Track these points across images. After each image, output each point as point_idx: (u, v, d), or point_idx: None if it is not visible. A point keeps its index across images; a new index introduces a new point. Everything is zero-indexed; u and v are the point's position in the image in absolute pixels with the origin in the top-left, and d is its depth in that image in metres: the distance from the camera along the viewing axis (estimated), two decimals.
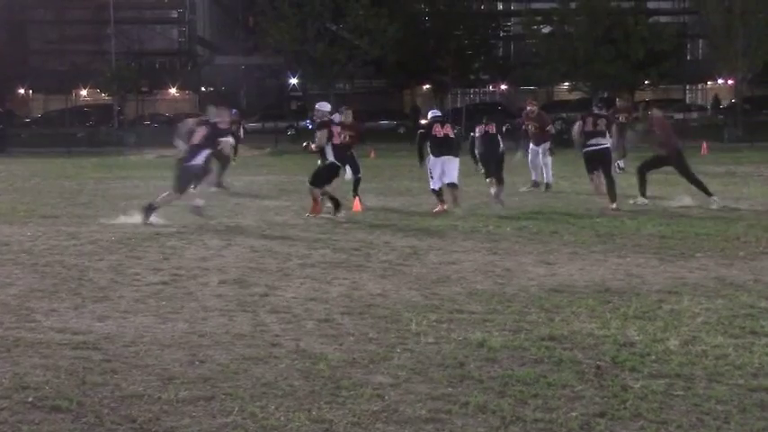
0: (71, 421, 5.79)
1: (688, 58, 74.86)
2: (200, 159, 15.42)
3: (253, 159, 31.20)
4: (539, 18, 63.09)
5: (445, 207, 16.65)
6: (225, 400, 6.14)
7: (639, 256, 11.75)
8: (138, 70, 67.55)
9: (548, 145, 21.66)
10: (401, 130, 61.99)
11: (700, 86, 78.06)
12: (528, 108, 22.59)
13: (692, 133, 43.48)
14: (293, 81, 67.34)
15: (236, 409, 5.95)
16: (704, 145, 36.14)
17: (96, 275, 10.65)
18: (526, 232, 13.99)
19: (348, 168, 18.32)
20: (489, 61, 70.08)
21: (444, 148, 17.20)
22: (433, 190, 16.95)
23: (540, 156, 21.58)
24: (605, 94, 60.85)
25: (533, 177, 21.65)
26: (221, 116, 16.97)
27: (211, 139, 15.70)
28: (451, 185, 17.19)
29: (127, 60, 66.04)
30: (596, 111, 18.25)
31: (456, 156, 17.29)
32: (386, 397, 6.18)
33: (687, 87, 77.22)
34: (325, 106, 16.95)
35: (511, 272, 10.75)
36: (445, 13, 63.96)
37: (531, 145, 21.83)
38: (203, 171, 15.62)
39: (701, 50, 74.78)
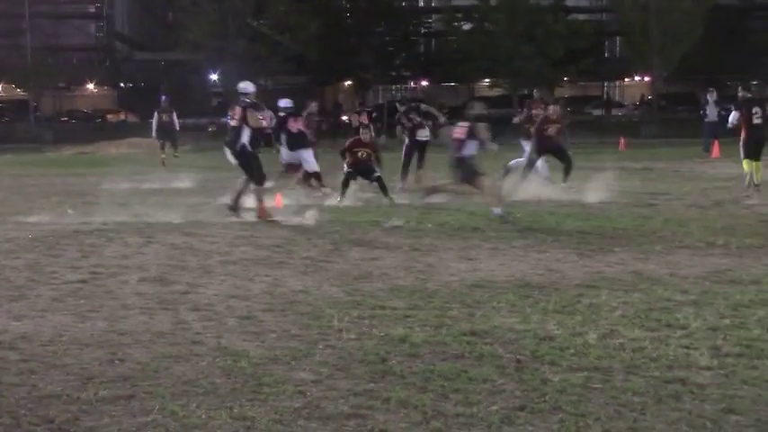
0: None
1: (606, 55, 75.85)
2: None
3: (169, 152, 30.82)
4: (459, 15, 63.41)
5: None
6: (145, 399, 6.09)
7: (559, 251, 11.89)
8: (55, 65, 66.50)
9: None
10: (323, 127, 61.84)
11: (617, 83, 79.09)
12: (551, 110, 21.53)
13: (610, 129, 44.09)
14: (214, 77, 66.82)
15: (157, 407, 5.91)
16: (622, 141, 36.67)
17: (12, 274, 10.49)
18: (448, 228, 14.07)
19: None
20: (411, 58, 70.25)
21: (298, 142, 18.46)
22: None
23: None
24: (525, 91, 61.61)
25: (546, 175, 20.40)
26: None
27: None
28: (315, 174, 18.49)
29: (43, 55, 64.89)
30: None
31: (309, 147, 18.70)
32: (308, 393, 6.18)
33: (605, 84, 78.17)
34: (249, 87, 15.78)
35: (432, 267, 10.81)
36: (367, 9, 63.96)
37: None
38: None
39: (618, 48, 75.80)
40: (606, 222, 14.40)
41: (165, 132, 30.24)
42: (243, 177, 15.42)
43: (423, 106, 22.82)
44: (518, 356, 6.98)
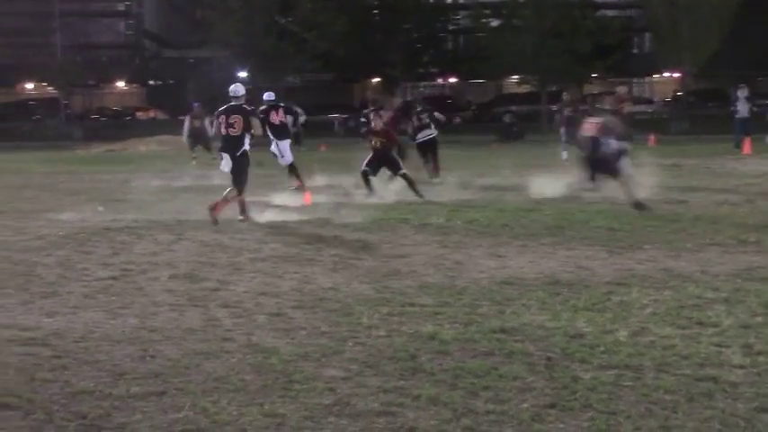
0: (21, 418, 5.74)
1: (634, 51, 75.52)
2: None
3: (202, 154, 30.99)
4: (487, 11, 63.24)
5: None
6: (176, 396, 6.12)
7: (589, 248, 11.84)
8: (85, 63, 66.88)
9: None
10: (351, 124, 61.90)
11: (646, 80, 78.72)
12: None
13: (639, 126, 43.84)
14: (242, 75, 67.03)
15: (188, 404, 5.94)
16: (651, 137, 36.47)
17: (44, 271, 10.57)
18: (477, 225, 14.05)
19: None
20: (438, 55, 70.23)
21: (282, 133, 19.18)
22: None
23: None
24: (553, 88, 61.41)
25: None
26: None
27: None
28: (290, 166, 19.70)
29: (73, 53, 65.30)
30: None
31: (289, 138, 19.90)
32: (338, 390, 6.19)
33: (634, 80, 77.81)
34: (240, 90, 15.42)
35: (461, 265, 10.79)
36: (394, 6, 63.94)
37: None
38: None
39: (647, 44, 75.43)
40: (636, 220, 14.32)
41: (197, 137, 30.39)
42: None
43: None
44: (548, 354, 6.96)
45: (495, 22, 62.14)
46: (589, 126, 15.76)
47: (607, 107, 23.76)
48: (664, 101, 71.00)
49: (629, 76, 74.36)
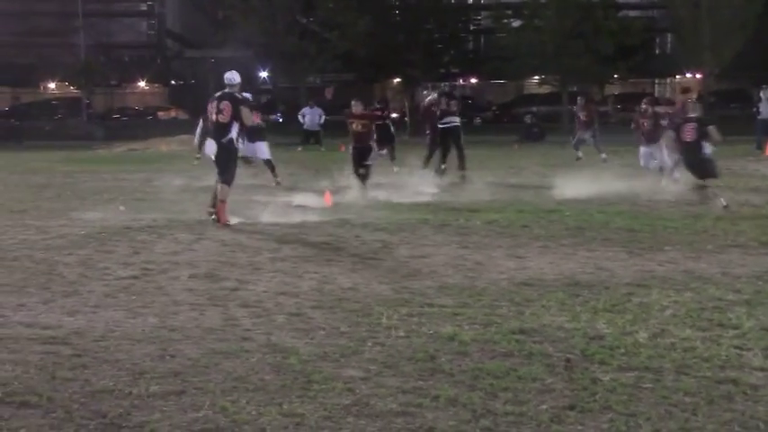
0: (41, 416, 5.77)
1: (657, 52, 75.23)
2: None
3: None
4: (509, 12, 63.14)
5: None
6: (196, 395, 6.14)
7: (608, 249, 11.82)
8: (107, 63, 67.16)
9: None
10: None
11: (668, 80, 78.40)
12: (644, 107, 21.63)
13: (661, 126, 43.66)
14: (263, 74, 67.20)
15: (208, 403, 5.95)
16: None
17: (65, 270, 10.61)
18: (496, 226, 14.03)
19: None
20: (459, 55, 70.09)
21: (255, 134, 20.38)
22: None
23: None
24: (574, 88, 61.26)
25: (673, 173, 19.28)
26: None
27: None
28: (267, 162, 21.17)
29: (95, 53, 65.57)
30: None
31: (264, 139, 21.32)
32: (357, 391, 6.19)
33: (656, 81, 77.54)
34: (236, 78, 14.87)
35: (481, 265, 10.78)
36: (415, 6, 63.86)
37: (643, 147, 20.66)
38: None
39: (669, 45, 75.13)
40: (656, 221, 14.29)
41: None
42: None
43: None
44: (568, 355, 6.95)
45: (516, 23, 62.00)
46: (688, 131, 16.13)
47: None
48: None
49: (650, 76, 74.13)
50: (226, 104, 14.45)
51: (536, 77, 66.38)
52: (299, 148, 36.72)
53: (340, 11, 58.33)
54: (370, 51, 60.34)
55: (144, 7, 78.77)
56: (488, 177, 21.88)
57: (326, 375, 6.51)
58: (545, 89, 65.51)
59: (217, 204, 14.39)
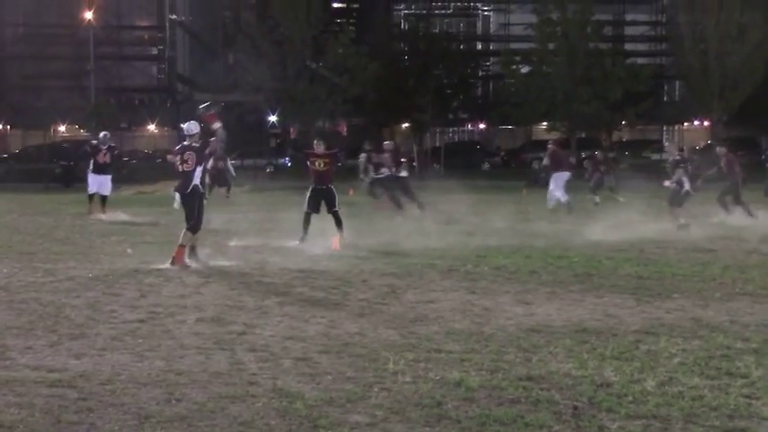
0: None
1: (665, 99, 75.48)
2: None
3: (231, 196, 31.21)
4: (518, 58, 63.52)
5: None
6: None
7: (617, 296, 11.80)
8: (118, 106, 67.47)
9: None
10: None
11: (676, 127, 78.59)
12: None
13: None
14: (272, 118, 67.49)
15: None
16: None
17: (73, 312, 10.61)
18: (504, 272, 14.02)
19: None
20: (468, 100, 70.51)
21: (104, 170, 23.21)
22: None
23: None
24: (582, 134, 61.47)
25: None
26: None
27: None
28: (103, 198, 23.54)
29: (106, 96, 65.94)
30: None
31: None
32: None
33: (664, 128, 77.72)
34: (194, 128, 15.19)
35: (489, 311, 10.77)
36: (425, 51, 64.38)
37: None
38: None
39: (677, 92, 75.40)
40: (664, 268, 14.27)
41: (218, 178, 30.41)
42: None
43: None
44: (575, 403, 6.92)
45: (525, 69, 62.36)
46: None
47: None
48: (694, 148, 70.79)
49: (659, 123, 74.32)
50: (189, 155, 14.79)
51: (544, 123, 66.57)
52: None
53: (350, 56, 58.80)
54: (380, 96, 60.70)
55: (154, 51, 79.28)
56: (496, 223, 21.87)
57: (333, 421, 6.49)
58: (553, 135, 65.67)
59: (175, 249, 14.59)
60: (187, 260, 14.56)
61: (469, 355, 8.44)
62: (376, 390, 7.29)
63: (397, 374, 7.75)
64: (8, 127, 72.15)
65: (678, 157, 21.35)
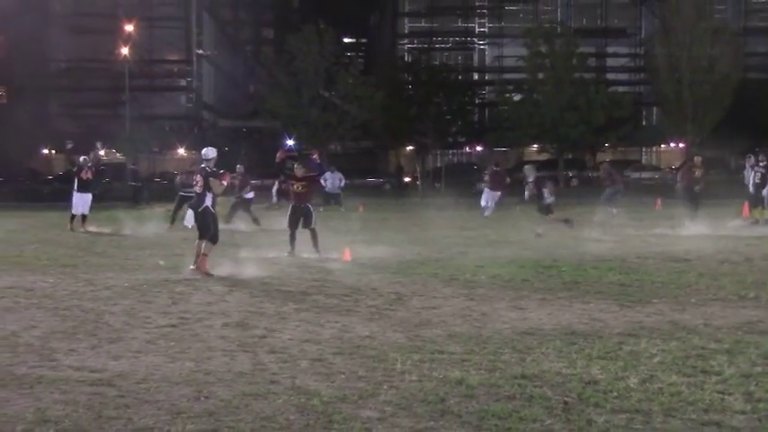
0: None
1: (644, 123, 75.49)
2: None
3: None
4: (510, 87, 63.64)
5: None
6: None
7: (602, 301, 11.77)
8: (150, 132, 67.64)
9: None
10: (386, 187, 62.26)
11: (654, 149, 78.52)
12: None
13: (647, 190, 43.70)
14: (289, 142, 67.57)
15: None
16: (658, 201, 36.29)
17: (111, 318, 10.62)
18: (500, 280, 14.00)
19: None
20: (466, 125, 70.48)
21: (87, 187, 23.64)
22: None
23: None
24: (569, 156, 61.50)
25: None
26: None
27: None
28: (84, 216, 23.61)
29: (139, 123, 66.14)
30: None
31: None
32: (374, 430, 6.18)
33: (643, 149, 77.66)
34: (210, 153, 15.22)
35: (486, 316, 10.75)
36: (427, 81, 64.47)
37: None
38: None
39: (655, 117, 75.37)
40: (644, 276, 14.24)
41: (240, 202, 29.79)
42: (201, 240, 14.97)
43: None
44: (565, 398, 6.91)
45: (517, 97, 62.46)
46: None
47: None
48: (670, 168, 70.74)
49: (638, 145, 74.31)
50: (198, 178, 14.97)
51: (535, 145, 66.64)
52: (321, 209, 36.76)
53: (359, 86, 58.99)
54: (386, 121, 60.84)
55: (183, 83, 79.56)
56: (492, 236, 21.87)
57: (346, 416, 6.48)
58: (543, 156, 65.70)
59: (199, 258, 14.71)
60: (209, 269, 14.59)
61: (469, 356, 8.43)
62: (385, 387, 7.29)
63: (404, 374, 7.74)
64: (53, 152, 72.40)
65: (540, 175, 23.48)
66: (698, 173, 25.79)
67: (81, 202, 24.90)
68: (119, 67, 65.26)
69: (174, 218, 25.49)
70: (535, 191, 22.39)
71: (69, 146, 26.35)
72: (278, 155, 18.33)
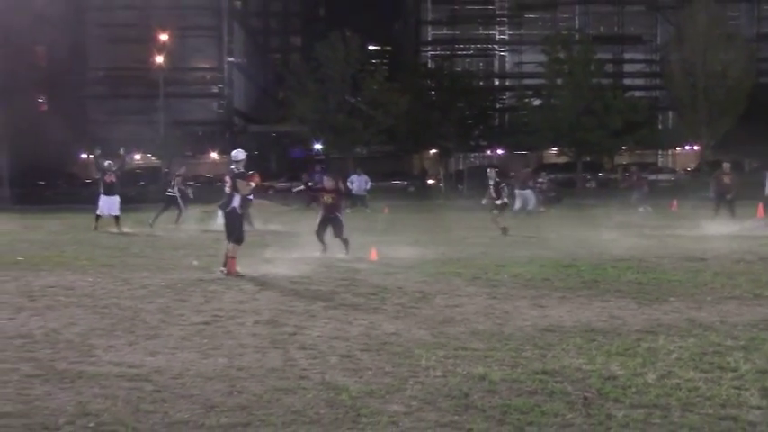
0: None
1: (660, 127, 75.08)
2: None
3: (281, 215, 31.30)
4: (530, 92, 63.51)
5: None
6: (260, 427, 6.13)
7: (620, 300, 11.71)
8: (183, 137, 67.95)
9: None
10: (411, 189, 62.23)
11: (670, 152, 78.08)
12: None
13: (663, 192, 43.46)
14: (317, 147, 67.74)
15: None
16: (674, 202, 36.10)
17: (148, 316, 10.67)
18: (521, 279, 13.96)
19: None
20: (487, 129, 70.39)
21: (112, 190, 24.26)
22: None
23: None
24: (587, 158, 61.24)
25: None
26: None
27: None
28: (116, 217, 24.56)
29: (173, 129, 66.45)
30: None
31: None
32: (400, 424, 6.16)
33: (659, 152, 77.23)
34: (240, 155, 15.20)
35: (508, 314, 10.72)
36: (449, 88, 64.40)
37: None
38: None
39: (670, 121, 74.96)
40: (661, 275, 14.16)
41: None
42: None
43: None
44: (585, 394, 6.88)
45: (536, 102, 62.32)
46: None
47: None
48: (685, 170, 70.30)
49: (654, 148, 73.88)
50: (227, 178, 15.04)
51: (554, 149, 66.41)
52: (348, 211, 36.78)
53: (384, 92, 59.06)
54: (410, 126, 60.84)
55: (215, 89, 79.86)
56: (512, 236, 21.81)
57: (374, 410, 6.48)
58: (562, 159, 65.49)
59: (227, 261, 14.71)
60: (238, 269, 14.62)
61: (492, 353, 8.41)
62: (411, 383, 7.28)
63: (429, 369, 7.73)
64: (90, 156, 72.89)
65: (498, 180, 23.82)
66: (727, 179, 25.42)
67: (107, 204, 25.11)
68: (153, 75, 65.70)
69: (157, 219, 26.69)
70: (494, 193, 23.16)
71: (97, 152, 26.50)
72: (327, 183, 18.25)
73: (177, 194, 27.87)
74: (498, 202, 23.19)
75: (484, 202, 23.94)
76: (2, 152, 49.99)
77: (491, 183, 23.44)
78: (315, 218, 17.95)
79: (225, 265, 14.78)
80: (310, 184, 23.81)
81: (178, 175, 29.08)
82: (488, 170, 24.90)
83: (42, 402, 6.77)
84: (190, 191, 29.77)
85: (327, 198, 17.95)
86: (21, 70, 57.91)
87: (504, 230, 22.61)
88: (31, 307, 11.35)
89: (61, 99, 70.28)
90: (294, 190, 26.75)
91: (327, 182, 18.37)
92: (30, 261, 17.03)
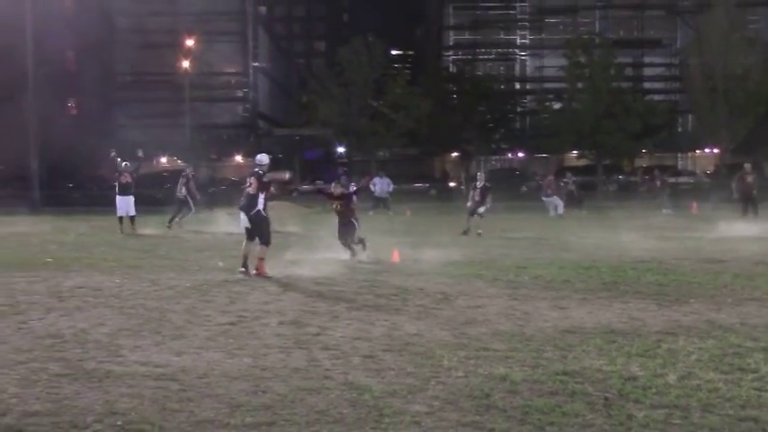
0: None
1: (679, 130, 74.65)
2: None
3: (304, 217, 31.36)
4: (550, 96, 63.30)
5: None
6: (284, 426, 6.14)
7: (640, 301, 11.65)
8: (208, 140, 68.18)
9: None
10: (432, 192, 62.16)
11: (689, 154, 77.61)
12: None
13: (683, 195, 43.20)
14: (340, 150, 67.81)
15: None
16: (694, 205, 35.87)
17: (174, 316, 10.70)
18: (541, 280, 13.91)
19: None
20: (508, 133, 70.23)
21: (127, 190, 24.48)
22: None
23: None
24: (607, 161, 60.96)
25: None
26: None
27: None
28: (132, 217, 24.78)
29: (199, 132, 66.72)
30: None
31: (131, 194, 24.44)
32: (422, 424, 6.15)
33: (678, 155, 76.80)
34: (264, 159, 15.31)
35: (529, 315, 10.68)
36: (471, 91, 64.28)
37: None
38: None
39: (690, 124, 74.51)
40: (681, 277, 14.07)
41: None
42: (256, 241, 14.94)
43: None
44: (606, 394, 6.84)
45: (557, 105, 62.12)
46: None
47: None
48: (705, 173, 69.83)
49: (674, 151, 73.48)
50: (252, 180, 15.03)
51: (574, 152, 66.16)
52: (371, 213, 36.83)
53: (406, 95, 59.05)
54: (432, 130, 60.81)
55: (240, 93, 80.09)
56: (533, 238, 21.74)
57: (396, 410, 6.47)
58: (582, 162, 65.25)
59: (256, 262, 14.73)
60: (267, 270, 14.66)
61: (513, 353, 8.38)
62: (433, 383, 7.26)
63: (451, 370, 7.72)
64: (118, 159, 73.22)
65: (488, 184, 24.09)
66: (749, 179, 26.44)
67: (123, 204, 25.28)
68: (180, 80, 65.93)
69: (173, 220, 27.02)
70: (478, 197, 23.44)
71: (113, 154, 26.63)
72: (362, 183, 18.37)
73: (182, 195, 28.01)
74: (482, 209, 23.41)
75: (468, 204, 24.06)
76: (32, 155, 50.27)
77: (478, 186, 23.63)
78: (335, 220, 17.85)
79: (244, 266, 14.81)
80: (321, 187, 23.74)
81: (184, 176, 29.14)
82: (478, 174, 25.02)
83: (71, 401, 6.81)
84: (198, 193, 29.69)
85: (336, 205, 17.55)
86: (51, 75, 58.26)
87: (466, 233, 22.93)
88: (61, 307, 11.41)
89: (90, 103, 70.75)
90: (301, 188, 26.84)
91: (335, 188, 17.88)
92: (59, 262, 17.12)
